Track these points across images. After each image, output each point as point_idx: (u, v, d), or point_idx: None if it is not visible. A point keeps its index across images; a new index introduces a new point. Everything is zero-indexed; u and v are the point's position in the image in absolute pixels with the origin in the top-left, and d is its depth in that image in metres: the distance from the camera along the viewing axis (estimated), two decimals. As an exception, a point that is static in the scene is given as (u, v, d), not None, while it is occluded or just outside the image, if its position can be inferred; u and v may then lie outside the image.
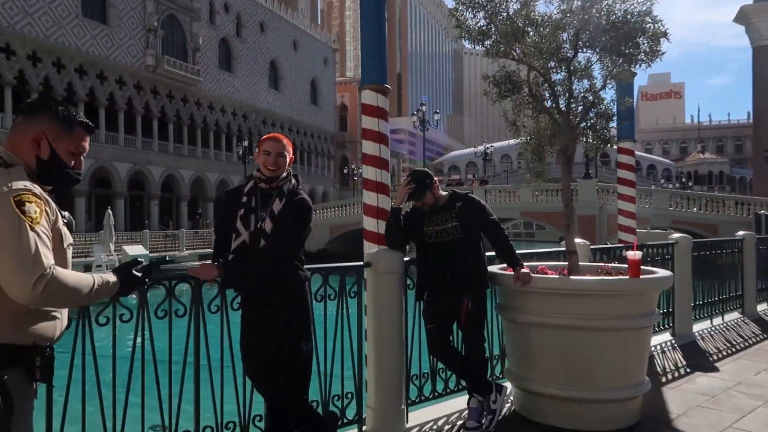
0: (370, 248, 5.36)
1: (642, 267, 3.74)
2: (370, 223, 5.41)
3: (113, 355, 2.65)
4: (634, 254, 3.60)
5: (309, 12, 77.66)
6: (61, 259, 1.75)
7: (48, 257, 1.59)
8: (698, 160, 77.68)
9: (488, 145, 53.23)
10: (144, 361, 2.73)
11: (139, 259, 2.03)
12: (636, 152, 9.20)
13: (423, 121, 35.41)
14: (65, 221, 1.82)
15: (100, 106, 38.61)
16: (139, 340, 2.75)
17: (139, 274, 1.95)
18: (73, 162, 1.86)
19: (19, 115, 1.86)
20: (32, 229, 1.58)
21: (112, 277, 1.85)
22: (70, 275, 1.65)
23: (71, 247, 1.85)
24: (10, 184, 1.61)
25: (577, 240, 5.32)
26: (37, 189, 1.70)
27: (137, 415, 2.69)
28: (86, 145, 1.91)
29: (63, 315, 1.83)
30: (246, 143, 42.22)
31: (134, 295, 2.68)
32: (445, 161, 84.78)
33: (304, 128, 61.56)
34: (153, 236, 31.12)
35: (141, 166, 40.98)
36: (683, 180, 65.75)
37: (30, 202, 1.61)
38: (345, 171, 62.15)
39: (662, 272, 3.86)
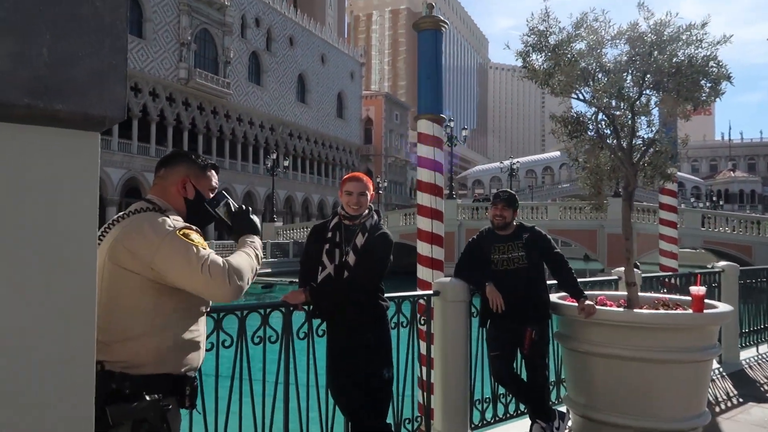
0: (423, 272, 5.55)
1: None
2: (424, 248, 5.60)
3: (216, 376, 2.85)
4: (698, 290, 3.71)
5: (336, 26, 78.78)
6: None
7: (217, 257, 1.83)
8: (729, 178, 76.34)
9: (515, 161, 53.11)
10: (242, 383, 2.94)
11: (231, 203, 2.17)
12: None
13: (450, 137, 35.56)
14: None
15: (133, 117, 39.57)
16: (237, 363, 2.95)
17: (253, 219, 2.15)
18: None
19: (161, 167, 2.10)
20: (201, 248, 1.82)
21: (247, 237, 2.06)
22: (237, 260, 1.88)
23: None
24: (173, 224, 1.84)
25: (622, 269, 5.42)
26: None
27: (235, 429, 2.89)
28: (216, 181, 2.16)
29: (204, 345, 2.04)
30: (274, 156, 42.80)
31: (235, 322, 2.92)
32: (469, 176, 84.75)
33: (329, 141, 62.20)
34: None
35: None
36: (713, 198, 64.67)
37: (192, 233, 1.86)
38: (370, 184, 62.33)
39: (723, 306, 3.95)
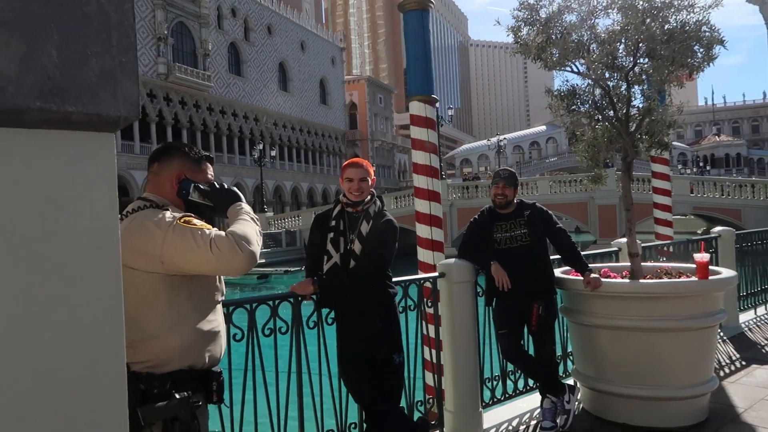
0: (424, 255, 5.54)
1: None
2: (423, 231, 5.59)
3: (229, 369, 2.84)
4: (702, 256, 3.73)
5: (314, 12, 77.97)
6: (220, 282, 2.00)
7: (221, 232, 1.80)
8: (714, 143, 76.83)
9: (501, 137, 53.11)
10: (255, 374, 2.93)
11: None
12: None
13: (437, 117, 35.44)
14: None
15: (116, 116, 39.02)
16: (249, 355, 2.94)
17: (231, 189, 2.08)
18: None
19: (153, 162, 2.05)
20: (205, 230, 1.79)
21: (234, 206, 1.99)
22: (239, 227, 1.84)
23: None
24: (173, 215, 1.82)
25: (622, 240, 5.44)
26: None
27: (251, 427, 2.89)
28: (211, 174, 2.12)
29: (224, 335, 2.03)
30: (261, 147, 42.51)
31: (245, 315, 2.90)
32: (457, 155, 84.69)
33: (314, 128, 61.83)
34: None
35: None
36: (700, 164, 65.17)
37: (193, 219, 1.84)
38: (358, 169, 62.14)
39: (727, 272, 3.98)
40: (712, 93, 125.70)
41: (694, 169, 62.16)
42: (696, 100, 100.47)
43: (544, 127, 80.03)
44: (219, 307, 1.99)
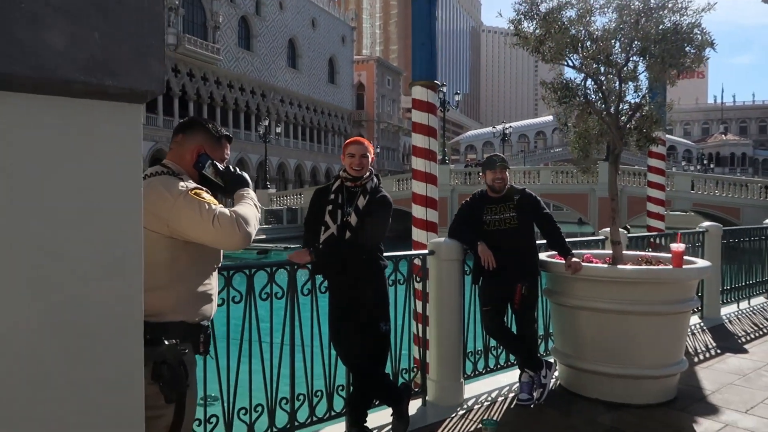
0: (418, 234, 5.76)
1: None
2: (419, 211, 5.80)
3: (227, 329, 3.07)
4: (678, 246, 3.94)
5: (327, -11, 77.17)
6: (217, 252, 2.17)
7: (225, 209, 1.98)
8: (720, 141, 76.58)
9: (507, 125, 53.04)
10: (251, 336, 3.16)
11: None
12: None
13: (443, 103, 35.45)
14: None
15: (123, 85, 39.06)
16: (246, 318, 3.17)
17: (242, 174, 2.25)
18: None
19: (179, 133, 2.25)
20: (211, 204, 1.98)
21: (241, 191, 2.17)
22: (241, 209, 2.02)
23: None
24: (186, 185, 2.01)
25: (605, 229, 5.65)
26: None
27: (245, 386, 3.13)
28: (228, 151, 2.31)
29: (216, 298, 2.24)
30: (266, 123, 42.58)
31: (244, 279, 3.12)
32: (462, 141, 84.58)
33: (321, 107, 61.75)
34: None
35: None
36: (704, 162, 65.04)
37: (203, 192, 2.02)
38: (362, 150, 62.16)
39: (702, 262, 4.19)
40: (722, 91, 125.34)
41: (698, 167, 62.04)
42: (705, 98, 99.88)
43: (550, 118, 79.56)
44: (215, 273, 2.20)
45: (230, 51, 48.70)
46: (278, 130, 48.99)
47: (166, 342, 1.90)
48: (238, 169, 2.22)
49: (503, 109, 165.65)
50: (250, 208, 2.06)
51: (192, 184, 2.04)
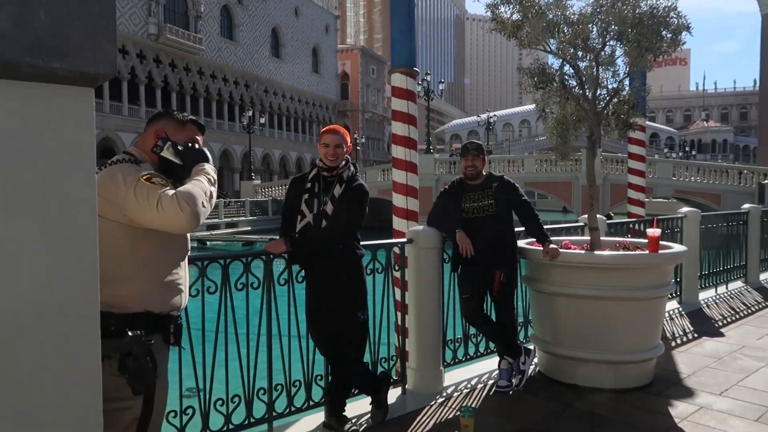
0: (398, 224, 5.74)
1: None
2: (399, 200, 5.77)
3: (202, 321, 3.03)
4: (654, 231, 3.97)
5: (310, -23, 76.40)
6: (183, 241, 2.13)
7: (170, 191, 1.90)
8: (702, 128, 77.46)
9: (491, 114, 53.12)
10: (227, 327, 3.13)
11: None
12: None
13: (428, 91, 35.37)
14: None
15: (103, 76, 38.49)
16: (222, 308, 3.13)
17: (202, 149, 2.16)
18: None
19: (146, 124, 2.22)
20: (159, 188, 1.90)
21: (198, 166, 2.08)
22: (187, 187, 1.94)
23: None
24: (142, 172, 1.97)
25: (585, 216, 5.68)
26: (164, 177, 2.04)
27: (222, 377, 3.11)
28: (200, 140, 2.24)
29: (186, 289, 2.20)
30: (250, 113, 42.22)
31: (219, 270, 3.08)
32: (447, 130, 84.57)
33: (305, 97, 61.36)
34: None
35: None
36: (686, 149, 65.74)
37: (155, 177, 1.96)
38: (347, 140, 61.97)
39: (678, 247, 4.23)
40: (704, 78, 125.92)
41: (681, 154, 62.70)
42: (688, 85, 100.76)
43: (534, 106, 79.94)
44: (184, 263, 2.15)
45: (213, 41, 48.14)
46: (262, 120, 48.67)
47: (131, 333, 1.87)
48: (197, 146, 2.15)
49: (488, 98, 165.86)
50: (197, 184, 1.97)
51: (146, 171, 1.98)
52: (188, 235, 2.19)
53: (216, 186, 2.08)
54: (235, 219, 33.32)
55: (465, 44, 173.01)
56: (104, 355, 1.87)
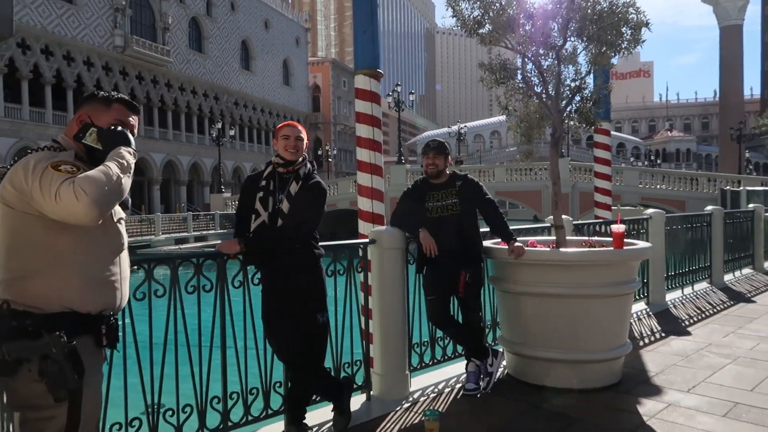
0: (364, 227, 5.63)
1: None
2: (364, 203, 5.68)
3: (150, 326, 2.86)
4: (618, 227, 3.92)
5: (279, -10, 76.41)
6: (114, 234, 1.96)
7: (69, 179, 1.71)
8: (666, 138, 79.45)
9: (462, 125, 53.60)
10: (177, 332, 2.96)
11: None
12: (607, 131, 9.58)
13: (398, 102, 35.48)
14: None
15: (67, 88, 37.73)
16: (171, 312, 2.96)
17: (123, 132, 1.98)
18: None
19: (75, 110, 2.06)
20: (63, 176, 1.73)
21: (117, 149, 1.91)
22: (89, 173, 1.75)
23: (123, 222, 2.05)
24: (55, 159, 1.80)
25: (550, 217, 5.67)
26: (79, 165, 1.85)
27: (172, 385, 2.93)
28: (132, 121, 2.06)
29: (123, 287, 2.03)
30: (219, 126, 41.78)
31: (167, 271, 2.92)
32: (419, 142, 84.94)
33: (276, 109, 61.05)
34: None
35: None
36: (652, 158, 67.26)
37: (66, 165, 1.78)
38: (319, 152, 61.92)
39: (642, 244, 4.20)
40: (667, 90, 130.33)
41: (647, 162, 64.08)
42: (652, 96, 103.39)
43: (504, 117, 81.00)
44: (118, 258, 1.96)
45: (181, 53, 47.64)
46: (232, 133, 48.19)
47: (47, 334, 1.70)
48: (120, 128, 1.97)
49: (459, 110, 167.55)
50: (101, 170, 1.77)
51: (59, 158, 1.82)
52: (122, 227, 2.03)
53: (130, 172, 1.88)
54: (204, 232, 32.79)
55: (435, 57, 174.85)
56: (22, 358, 1.71)
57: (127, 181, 1.84)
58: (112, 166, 1.81)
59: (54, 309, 1.76)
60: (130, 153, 1.92)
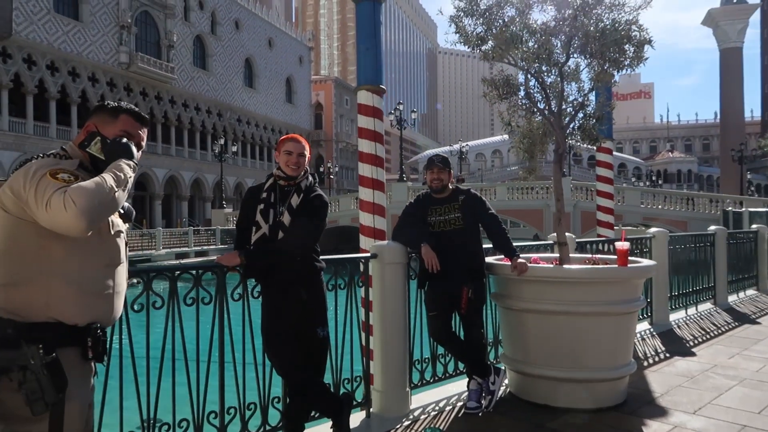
0: (366, 242, 5.60)
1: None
2: (366, 219, 5.66)
3: (147, 339, 2.82)
4: (623, 245, 3.88)
5: (284, 10, 77.50)
6: (110, 247, 1.91)
7: (62, 189, 1.67)
8: (667, 158, 79.66)
9: (464, 144, 53.78)
10: (174, 345, 2.91)
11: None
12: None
13: (400, 121, 35.65)
14: (120, 211, 1.98)
15: (72, 104, 38.03)
16: (169, 324, 2.92)
17: (126, 144, 1.95)
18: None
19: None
20: (57, 184, 1.69)
21: (118, 161, 1.87)
22: (81, 184, 1.70)
23: (122, 235, 2.01)
24: (56, 166, 1.77)
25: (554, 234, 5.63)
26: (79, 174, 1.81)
27: (169, 399, 2.87)
28: (141, 133, 2.05)
29: (117, 301, 1.98)
30: (222, 142, 41.97)
31: (166, 283, 2.88)
32: (420, 160, 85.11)
33: (279, 126, 61.36)
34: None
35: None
36: (653, 178, 67.33)
37: (64, 173, 1.74)
38: (321, 169, 62.11)
39: (647, 262, 4.16)
40: (668, 111, 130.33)
41: (648, 183, 64.14)
42: (653, 117, 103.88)
43: (506, 136, 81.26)
44: (114, 272, 1.92)
45: (185, 70, 48.05)
46: (234, 149, 48.39)
47: (26, 344, 1.64)
48: (125, 140, 1.95)
49: (461, 129, 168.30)
50: (96, 181, 1.72)
51: (60, 165, 1.78)
52: (120, 241, 1.98)
53: (126, 186, 1.83)
54: (205, 247, 32.74)
55: (438, 77, 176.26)
56: (2, 368, 1.66)
57: (121, 195, 1.79)
58: (108, 178, 1.76)
59: (38, 318, 1.71)
60: (129, 166, 1.88)
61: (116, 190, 1.77)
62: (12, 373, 1.63)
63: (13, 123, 34.11)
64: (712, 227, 8.28)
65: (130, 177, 1.87)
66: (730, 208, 26.29)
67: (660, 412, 3.81)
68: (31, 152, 33.54)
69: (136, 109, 2.08)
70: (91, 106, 38.99)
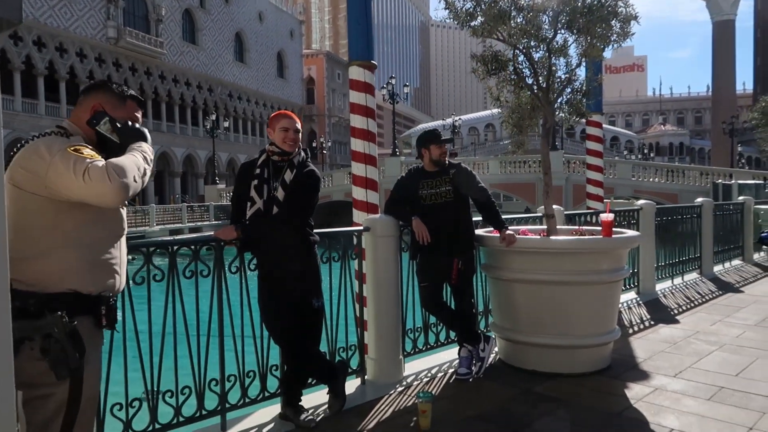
0: (359, 216, 5.70)
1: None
2: (359, 193, 5.75)
3: (148, 311, 2.93)
4: (607, 216, 4.01)
5: (274, -18, 76.02)
6: (117, 218, 2.02)
7: (100, 161, 1.81)
8: (659, 131, 79.84)
9: (456, 118, 53.61)
10: (175, 317, 3.02)
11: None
12: (601, 124, 9.67)
13: (392, 95, 35.47)
14: None
15: (60, 80, 37.54)
16: (170, 297, 3.03)
17: (141, 129, 2.09)
18: None
19: (81, 95, 2.11)
20: (87, 158, 1.80)
21: (134, 144, 2.01)
22: (119, 159, 1.86)
23: (124, 207, 2.10)
24: (70, 143, 1.86)
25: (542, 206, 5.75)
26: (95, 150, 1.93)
27: (171, 368, 3.00)
28: (139, 116, 2.16)
29: (122, 271, 2.09)
30: (213, 117, 41.67)
31: (165, 258, 2.98)
32: (413, 134, 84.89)
33: (270, 101, 60.86)
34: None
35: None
36: (645, 151, 67.55)
37: (84, 148, 1.85)
38: (313, 144, 61.83)
39: (631, 232, 4.29)
40: (660, 84, 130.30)
41: (640, 156, 64.35)
42: (645, 90, 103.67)
43: (499, 110, 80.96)
44: (120, 243, 2.03)
45: (174, 45, 47.40)
46: (226, 124, 48.06)
47: (49, 314, 1.75)
48: (137, 125, 2.07)
49: (454, 103, 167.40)
50: (131, 158, 1.90)
51: (75, 142, 1.88)
52: (123, 212, 2.09)
53: (151, 166, 2.01)
54: (199, 224, 32.77)
55: (430, 50, 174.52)
56: (24, 337, 1.77)
57: (149, 172, 1.97)
58: (139, 157, 1.94)
59: (57, 289, 1.81)
60: (150, 150, 2.05)
61: (147, 168, 1.94)
62: (33, 342, 1.74)
63: (0, 100, 33.70)
64: (699, 199, 8.43)
65: (152, 160, 2.03)
66: (720, 181, 26.52)
67: (642, 376, 3.99)
68: (20, 129, 33.25)
69: (137, 94, 2.18)
70: (80, 83, 38.76)
